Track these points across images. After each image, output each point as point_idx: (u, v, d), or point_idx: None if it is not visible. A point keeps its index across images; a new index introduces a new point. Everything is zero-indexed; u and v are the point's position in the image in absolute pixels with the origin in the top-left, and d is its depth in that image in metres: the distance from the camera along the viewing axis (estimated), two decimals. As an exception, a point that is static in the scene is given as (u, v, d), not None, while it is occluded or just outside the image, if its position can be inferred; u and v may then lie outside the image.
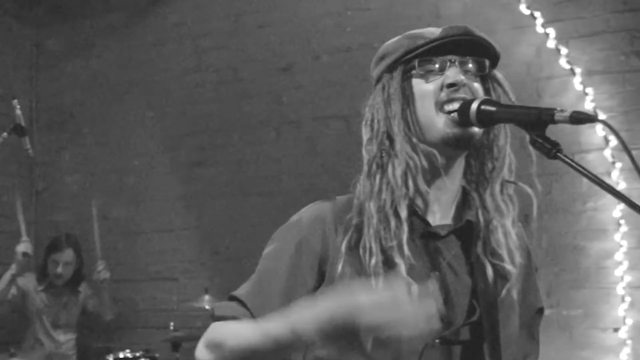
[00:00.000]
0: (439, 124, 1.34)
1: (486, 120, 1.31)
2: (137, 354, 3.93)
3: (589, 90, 3.82)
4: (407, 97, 1.38)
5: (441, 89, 1.34)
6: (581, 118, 1.16)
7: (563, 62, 3.88)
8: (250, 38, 4.63)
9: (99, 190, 4.91)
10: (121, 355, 3.93)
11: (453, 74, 1.34)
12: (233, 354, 1.35)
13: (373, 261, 1.36)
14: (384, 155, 1.38)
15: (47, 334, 4.49)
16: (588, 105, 3.80)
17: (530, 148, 1.23)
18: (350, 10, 4.41)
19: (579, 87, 3.85)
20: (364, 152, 1.41)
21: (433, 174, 1.39)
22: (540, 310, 1.54)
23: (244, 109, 4.59)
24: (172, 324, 4.24)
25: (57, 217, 5.06)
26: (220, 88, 4.67)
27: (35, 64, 5.18)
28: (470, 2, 4.14)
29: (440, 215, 1.43)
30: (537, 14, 3.95)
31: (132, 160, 4.84)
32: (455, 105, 1.33)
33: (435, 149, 1.35)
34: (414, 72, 1.38)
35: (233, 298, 1.44)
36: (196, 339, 3.61)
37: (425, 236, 1.39)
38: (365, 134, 1.41)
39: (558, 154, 1.18)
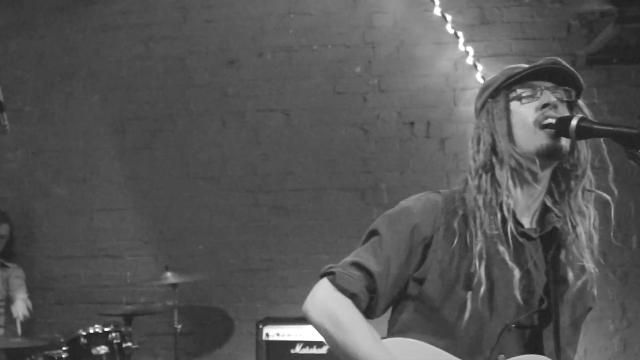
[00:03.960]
0: (534, 138, 2.11)
1: (584, 133, 2.04)
2: (107, 329, 5.22)
3: (497, 101, 5.65)
4: (508, 117, 2.16)
5: (536, 110, 2.12)
6: None
7: (478, 77, 5.68)
8: (197, 31, 6.24)
9: (41, 168, 6.35)
10: (91, 331, 5.20)
11: (546, 97, 2.14)
12: (339, 345, 2.17)
13: (478, 247, 2.14)
14: (489, 162, 2.18)
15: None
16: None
17: (608, 160, 2.12)
18: (293, 13, 6.10)
19: (489, 98, 5.68)
20: (470, 161, 2.22)
21: (527, 182, 2.18)
22: (589, 309, 2.33)
23: (190, 98, 6.21)
24: (124, 299, 5.83)
25: (-4, 193, 6.47)
26: (167, 76, 6.26)
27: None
28: (401, 17, 5.94)
29: (528, 220, 2.22)
30: (459, 33, 5.73)
31: (76, 141, 6.33)
32: (551, 121, 2.08)
33: (531, 158, 2.12)
34: (513, 95, 2.18)
35: (359, 267, 2.22)
36: (146, 313, 5.64)
37: (518, 236, 2.16)
38: (473, 147, 2.23)
39: None
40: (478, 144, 2.22)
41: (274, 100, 6.14)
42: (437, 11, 5.86)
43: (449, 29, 5.84)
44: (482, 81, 5.75)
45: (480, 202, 2.16)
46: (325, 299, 2.21)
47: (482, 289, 2.12)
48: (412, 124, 6.00)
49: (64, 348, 5.13)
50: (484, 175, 2.18)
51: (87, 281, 6.35)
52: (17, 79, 6.45)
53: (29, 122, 6.38)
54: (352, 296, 2.19)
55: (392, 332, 2.32)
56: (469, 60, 5.82)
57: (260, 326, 5.52)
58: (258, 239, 6.09)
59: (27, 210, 6.42)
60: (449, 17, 5.83)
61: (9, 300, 5.98)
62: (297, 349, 5.42)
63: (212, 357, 6.09)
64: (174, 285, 5.50)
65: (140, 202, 6.30)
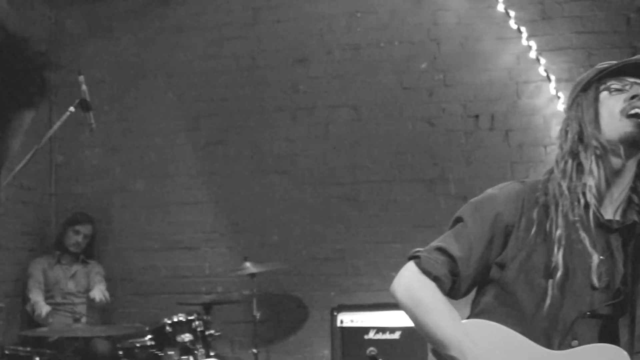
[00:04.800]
0: (620, 125, 2.33)
1: None
2: (191, 317, 5.76)
3: (561, 94, 6.11)
4: (596, 106, 2.39)
5: (624, 101, 2.33)
6: None
7: (541, 70, 6.16)
8: (268, 31, 6.82)
9: (119, 164, 6.95)
10: (175, 319, 5.71)
11: (635, 89, 2.35)
12: (421, 324, 2.43)
13: (558, 232, 2.34)
14: (575, 149, 2.40)
15: (62, 300, 6.50)
16: (560, 107, 6.09)
17: None
18: (360, 12, 6.63)
19: (553, 91, 6.14)
20: (557, 150, 2.47)
21: (611, 171, 2.37)
22: None
23: (262, 95, 6.77)
24: (203, 289, 6.43)
25: (76, 190, 7.14)
26: (239, 75, 6.84)
27: (55, 43, 7.08)
28: (464, 14, 6.43)
29: (610, 211, 2.40)
30: (522, 28, 6.20)
31: (153, 138, 6.92)
32: (638, 111, 2.30)
33: (615, 145, 2.33)
34: (602, 87, 2.41)
35: (443, 251, 2.48)
36: (225, 302, 6.27)
37: (598, 225, 2.34)
38: (560, 137, 2.49)
39: None
40: (566, 133, 2.45)
41: (343, 96, 6.68)
42: (500, 7, 6.35)
43: (512, 24, 6.32)
44: (544, 74, 6.24)
45: (565, 187, 2.37)
46: (410, 280, 2.48)
47: (559, 275, 2.32)
48: (476, 116, 6.48)
49: (149, 336, 5.66)
50: (569, 161, 2.39)
51: (166, 272, 6.96)
52: (95, 80, 7.01)
53: (107, 121, 6.96)
54: (435, 279, 2.44)
55: (473, 313, 2.57)
56: (532, 55, 6.30)
57: (335, 313, 6.02)
58: (330, 229, 6.65)
59: (107, 205, 7.05)
60: (512, 13, 6.31)
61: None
62: (371, 335, 5.89)
63: (288, 344, 6.65)
64: (252, 275, 6.04)
65: (215, 196, 6.89)
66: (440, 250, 2.49)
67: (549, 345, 2.39)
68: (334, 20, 6.74)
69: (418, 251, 2.53)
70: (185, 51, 7.03)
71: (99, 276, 6.72)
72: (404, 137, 6.58)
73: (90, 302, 6.47)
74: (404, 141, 6.57)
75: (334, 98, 6.71)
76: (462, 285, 2.51)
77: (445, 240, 2.52)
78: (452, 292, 2.52)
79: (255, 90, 6.88)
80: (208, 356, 5.74)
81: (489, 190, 2.57)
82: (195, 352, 5.67)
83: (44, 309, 6.25)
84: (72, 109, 4.88)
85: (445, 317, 2.42)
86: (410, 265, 2.51)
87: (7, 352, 5.64)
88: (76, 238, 6.61)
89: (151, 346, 5.64)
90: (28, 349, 5.53)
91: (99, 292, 6.46)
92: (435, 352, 2.47)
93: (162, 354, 5.63)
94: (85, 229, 6.67)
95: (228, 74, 6.94)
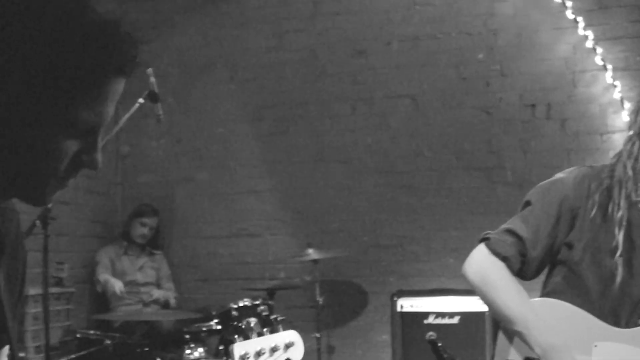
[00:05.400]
0: None
1: None
2: (257, 302, 5.95)
3: (617, 83, 6.38)
4: None
5: None
6: None
7: (597, 59, 6.44)
8: (328, 23, 7.20)
9: (184, 154, 7.36)
10: (241, 304, 5.88)
11: None
12: (489, 302, 2.69)
13: (619, 214, 2.51)
14: None
15: (130, 289, 6.94)
16: (616, 96, 6.36)
17: None
18: (417, 4, 7.01)
19: (609, 80, 6.41)
20: (627, 130, 2.67)
21: None
22: None
23: (322, 86, 7.15)
24: (267, 274, 6.84)
25: (142, 180, 7.59)
26: (300, 67, 7.23)
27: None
28: (521, 4, 6.74)
29: None
30: (579, 18, 6.48)
31: (216, 129, 7.33)
32: None
33: None
34: None
35: (512, 233, 2.70)
36: (289, 287, 6.65)
37: None
38: (631, 119, 2.67)
39: None
40: (636, 115, 2.62)
41: (402, 87, 7.04)
42: (557, -2, 6.64)
43: (569, 14, 6.60)
44: (600, 63, 6.52)
45: (629, 167, 2.53)
46: (480, 261, 2.70)
47: (622, 255, 2.49)
48: (533, 106, 6.78)
49: (215, 320, 5.96)
50: (637, 142, 2.55)
51: (230, 259, 7.41)
52: (160, 73, 7.39)
53: (172, 112, 7.39)
54: (505, 259, 2.65)
55: (543, 294, 2.77)
56: (588, 44, 6.59)
57: (395, 298, 6.39)
58: (389, 217, 7.03)
59: (172, 195, 7.51)
60: (568, 3, 6.59)
61: (157, 286, 7.13)
62: (430, 320, 6.23)
63: (349, 328, 7.04)
64: (315, 261, 6.42)
65: (277, 185, 7.32)
66: (509, 232, 2.70)
67: (616, 323, 2.57)
68: (392, 12, 7.10)
69: (488, 233, 2.76)
70: (248, 44, 7.46)
71: (168, 271, 7.23)
72: (461, 126, 6.92)
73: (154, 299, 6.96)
74: (461, 130, 6.91)
75: (392, 89, 7.08)
76: (531, 266, 2.71)
77: (513, 222, 2.73)
78: (521, 272, 2.73)
79: (315, 82, 7.29)
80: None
81: (557, 175, 2.76)
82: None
83: (116, 284, 6.65)
84: (141, 100, 5.19)
85: (513, 295, 2.64)
86: (481, 247, 2.73)
87: (78, 335, 6.06)
88: (142, 230, 7.08)
89: (217, 330, 5.91)
90: (98, 332, 5.89)
91: (163, 295, 6.93)
92: (505, 330, 2.70)
93: (228, 338, 5.96)
94: (151, 221, 7.14)
95: (289, 66, 7.35)
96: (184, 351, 5.59)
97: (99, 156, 1.42)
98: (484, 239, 2.76)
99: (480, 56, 6.90)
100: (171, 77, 7.48)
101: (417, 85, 7.03)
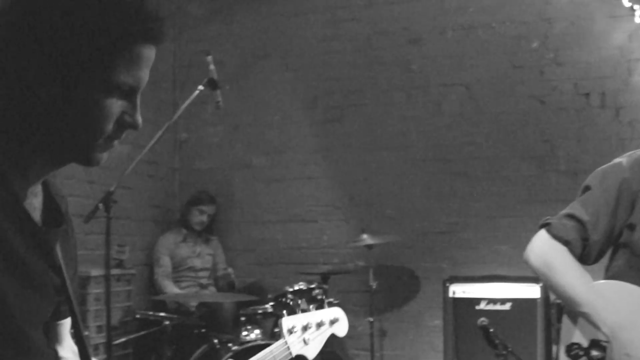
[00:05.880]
0: None
1: None
2: (312, 286, 6.16)
3: (673, 72, 6.43)
4: None
5: None
6: None
7: (653, 48, 6.48)
8: (382, 12, 7.30)
9: (240, 141, 7.55)
10: (296, 287, 6.11)
11: None
12: (553, 285, 2.77)
13: None
14: None
15: (189, 274, 7.15)
16: (671, 84, 6.42)
17: None
18: (473, -8, 7.00)
19: (665, 69, 6.46)
20: None
21: None
22: None
23: (377, 74, 7.28)
24: (321, 259, 7.00)
25: (199, 166, 7.77)
26: (355, 55, 7.36)
27: (179, 26, 7.71)
28: (576, -8, 6.72)
29: None
30: (635, 6, 6.51)
31: (272, 116, 7.50)
32: None
33: None
34: None
35: (572, 217, 2.77)
36: (343, 272, 6.79)
37: None
38: None
39: None
40: None
41: (456, 75, 7.13)
42: (612, -14, 6.67)
43: (625, 2, 6.62)
44: (657, 53, 6.54)
45: None
46: (542, 245, 2.77)
47: None
48: (587, 94, 6.82)
49: (271, 303, 6.08)
50: None
51: (284, 244, 7.57)
52: (217, 61, 7.59)
53: (228, 100, 7.51)
54: (566, 243, 2.73)
55: (606, 277, 2.82)
56: (644, 33, 6.61)
57: (447, 284, 6.51)
58: (442, 204, 7.14)
59: (228, 180, 7.71)
60: (625, -8, 6.63)
61: (214, 270, 7.35)
62: (482, 306, 6.34)
63: (401, 313, 7.18)
64: (369, 247, 6.56)
65: (332, 171, 7.47)
66: (570, 216, 2.78)
67: None
68: (447, 1, 7.19)
69: (548, 219, 2.83)
70: (303, 33, 7.60)
71: (224, 263, 7.45)
72: (514, 114, 6.98)
73: (220, 277, 7.21)
74: (514, 119, 6.98)
75: (446, 77, 7.17)
76: (592, 249, 2.78)
77: (573, 207, 2.80)
78: (583, 256, 2.79)
79: (370, 70, 7.40)
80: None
81: (617, 159, 2.83)
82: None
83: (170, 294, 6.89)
84: (201, 87, 5.40)
85: (577, 277, 2.71)
86: (542, 233, 2.81)
87: (137, 316, 6.28)
88: (200, 217, 7.29)
89: (272, 313, 6.03)
90: (158, 313, 6.11)
91: (232, 272, 7.16)
92: (570, 313, 2.76)
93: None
94: (209, 209, 7.34)
95: (344, 55, 7.48)
96: (240, 333, 5.73)
97: (139, 117, 1.63)
98: (545, 225, 2.82)
99: (535, 45, 6.95)
100: (228, 64, 7.64)
101: (471, 74, 7.11)
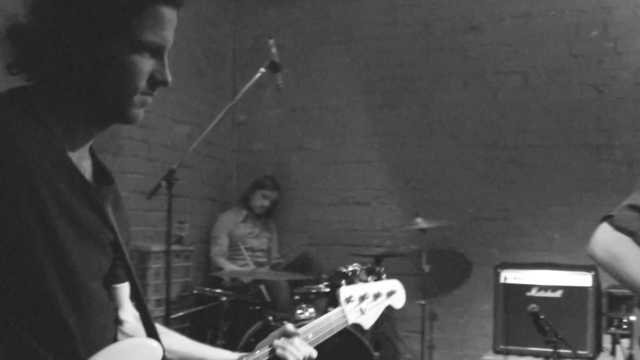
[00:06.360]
0: None
1: None
2: (365, 267, 6.29)
3: None
4: None
5: None
6: None
7: None
8: (441, -1, 7.31)
9: (297, 123, 7.69)
10: (350, 268, 6.23)
11: None
12: (622, 276, 2.75)
13: None
14: None
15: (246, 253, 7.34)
16: None
17: None
18: (532, -19, 7.03)
19: None
20: None
21: None
22: None
23: (434, 60, 7.37)
24: (374, 242, 7.13)
25: (256, 147, 7.94)
26: (413, 41, 7.47)
27: (239, 11, 7.87)
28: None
29: None
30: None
31: (329, 99, 7.63)
32: None
33: None
34: None
35: (634, 207, 2.79)
36: (396, 255, 6.91)
37: None
38: None
39: None
40: None
41: (512, 63, 7.18)
42: (676, -26, 6.64)
43: (687, -8, 6.61)
44: None
45: None
46: (606, 238, 2.79)
47: None
48: (646, 84, 6.82)
49: (325, 283, 6.20)
50: None
51: (338, 225, 7.72)
52: (277, 44, 7.75)
53: (287, 83, 7.63)
54: (631, 234, 2.75)
55: None
56: None
57: (499, 270, 6.59)
58: (495, 190, 7.20)
59: (284, 162, 7.88)
60: (687, -19, 6.61)
61: (269, 253, 7.56)
62: (533, 292, 6.40)
63: (452, 297, 7.27)
64: (422, 230, 6.65)
65: (387, 155, 7.58)
66: (632, 207, 2.79)
67: None
68: (505, -11, 7.24)
69: (610, 211, 2.84)
70: (362, 18, 7.70)
71: (276, 247, 7.65)
72: (571, 103, 7.00)
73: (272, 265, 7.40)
74: (571, 107, 7.00)
75: (503, 65, 7.22)
76: None
77: (634, 197, 2.81)
78: None
79: (428, 56, 7.49)
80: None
81: None
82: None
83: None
84: (262, 69, 5.53)
85: None
86: (604, 226, 2.83)
87: (195, 291, 6.48)
88: (263, 202, 7.47)
89: (325, 293, 6.15)
90: (216, 290, 6.31)
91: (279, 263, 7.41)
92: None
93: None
94: (272, 194, 7.52)
95: (402, 40, 7.57)
96: (295, 311, 5.86)
97: (169, 74, 1.80)
98: (606, 217, 2.85)
99: (594, 33, 6.96)
100: (288, 48, 7.78)
101: (528, 62, 7.14)
